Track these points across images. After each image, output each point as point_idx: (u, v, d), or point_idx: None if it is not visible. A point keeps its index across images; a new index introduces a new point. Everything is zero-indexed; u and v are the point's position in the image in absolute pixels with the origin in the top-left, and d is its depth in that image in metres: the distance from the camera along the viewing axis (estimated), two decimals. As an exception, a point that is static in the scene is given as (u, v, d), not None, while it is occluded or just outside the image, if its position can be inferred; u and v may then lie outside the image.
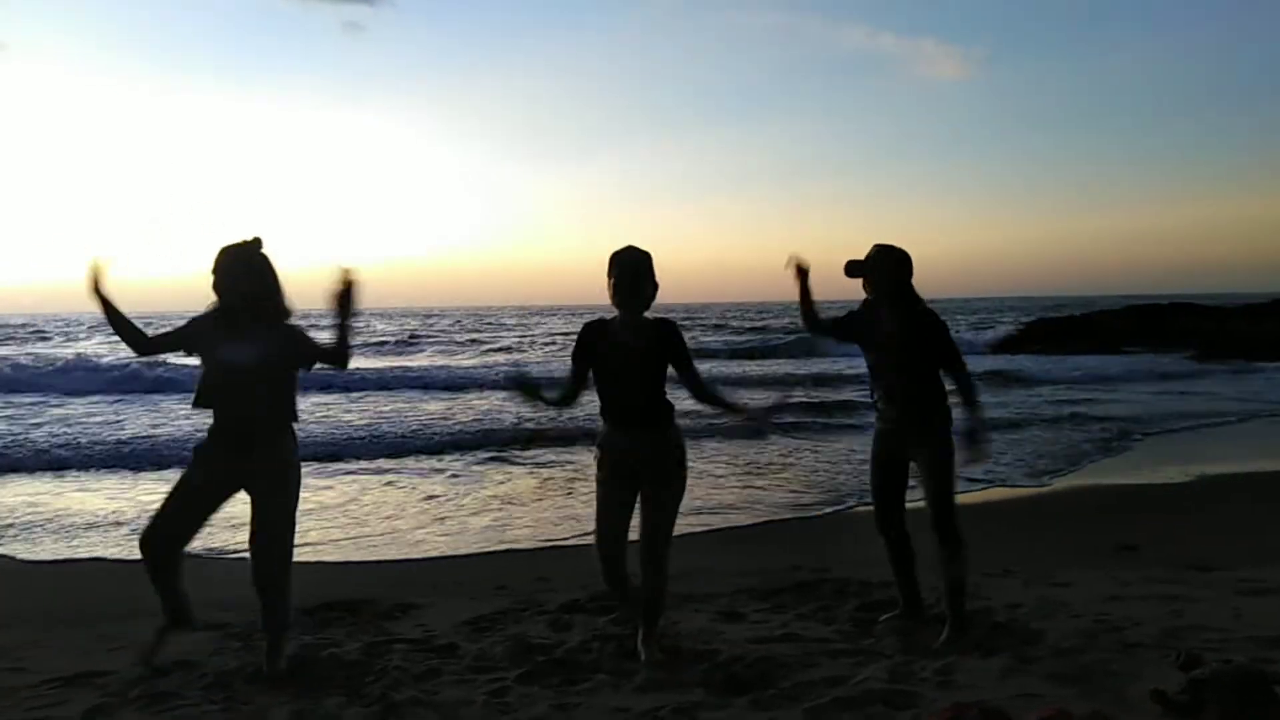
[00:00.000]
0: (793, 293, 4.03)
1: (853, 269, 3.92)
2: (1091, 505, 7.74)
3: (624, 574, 3.75)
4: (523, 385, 3.73)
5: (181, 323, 3.55)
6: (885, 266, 3.87)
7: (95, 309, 3.43)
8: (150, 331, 3.58)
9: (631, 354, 3.59)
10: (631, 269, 3.57)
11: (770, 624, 4.15)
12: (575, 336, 3.74)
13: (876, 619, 4.08)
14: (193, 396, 3.52)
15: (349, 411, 13.90)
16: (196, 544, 3.66)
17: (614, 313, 3.66)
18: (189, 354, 3.56)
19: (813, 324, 4.13)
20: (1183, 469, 9.13)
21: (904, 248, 3.91)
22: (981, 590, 4.45)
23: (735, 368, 23.32)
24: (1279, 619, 3.85)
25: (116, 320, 3.47)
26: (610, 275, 3.58)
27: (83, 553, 6.37)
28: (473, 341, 37.49)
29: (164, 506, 3.51)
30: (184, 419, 12.32)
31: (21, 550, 6.45)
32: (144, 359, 3.53)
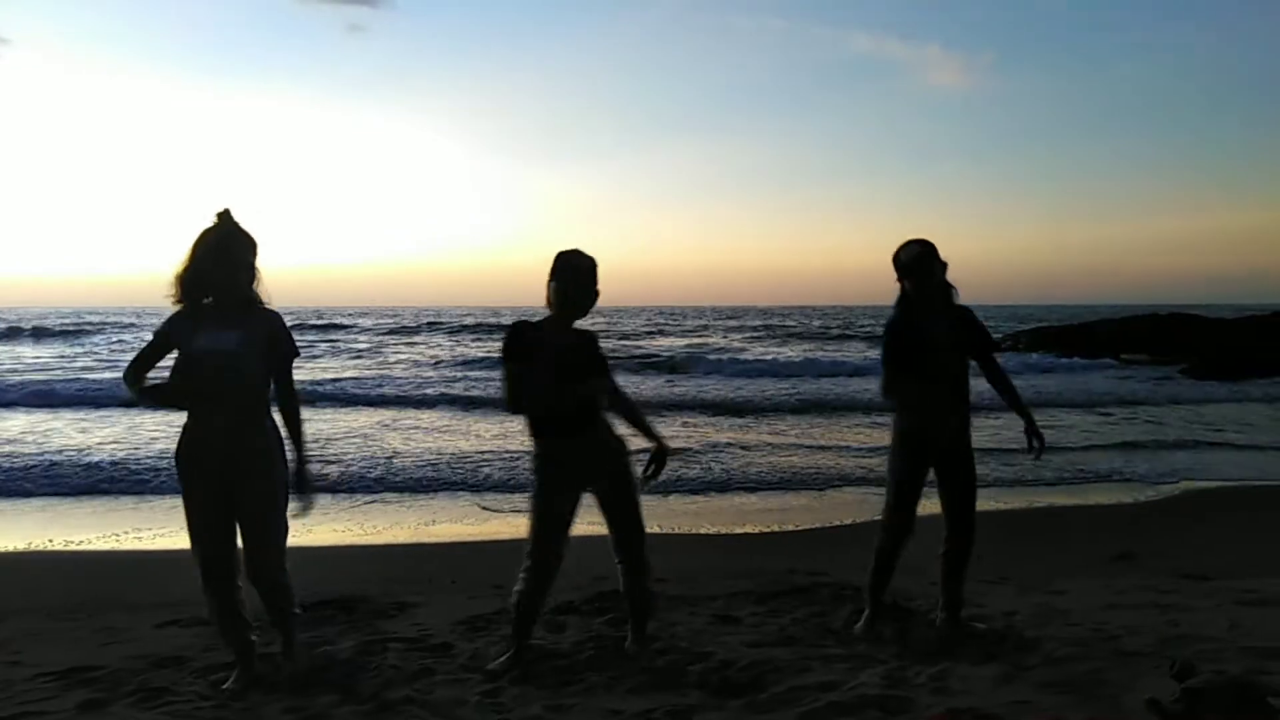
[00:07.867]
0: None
1: (900, 269, 3.80)
2: (1088, 513, 7.73)
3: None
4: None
5: (152, 336, 3.30)
6: (933, 266, 3.77)
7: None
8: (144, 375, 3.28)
9: (574, 362, 3.49)
10: (587, 275, 3.50)
11: (766, 627, 4.14)
12: (510, 337, 3.47)
13: (872, 624, 4.06)
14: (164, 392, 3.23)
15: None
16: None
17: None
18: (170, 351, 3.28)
19: (894, 393, 3.86)
20: (1178, 479, 9.12)
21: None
22: (977, 597, 4.44)
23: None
24: (1275, 629, 3.84)
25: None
26: (558, 278, 3.46)
27: (81, 546, 6.38)
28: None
29: (193, 540, 3.29)
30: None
31: (20, 543, 6.45)
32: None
